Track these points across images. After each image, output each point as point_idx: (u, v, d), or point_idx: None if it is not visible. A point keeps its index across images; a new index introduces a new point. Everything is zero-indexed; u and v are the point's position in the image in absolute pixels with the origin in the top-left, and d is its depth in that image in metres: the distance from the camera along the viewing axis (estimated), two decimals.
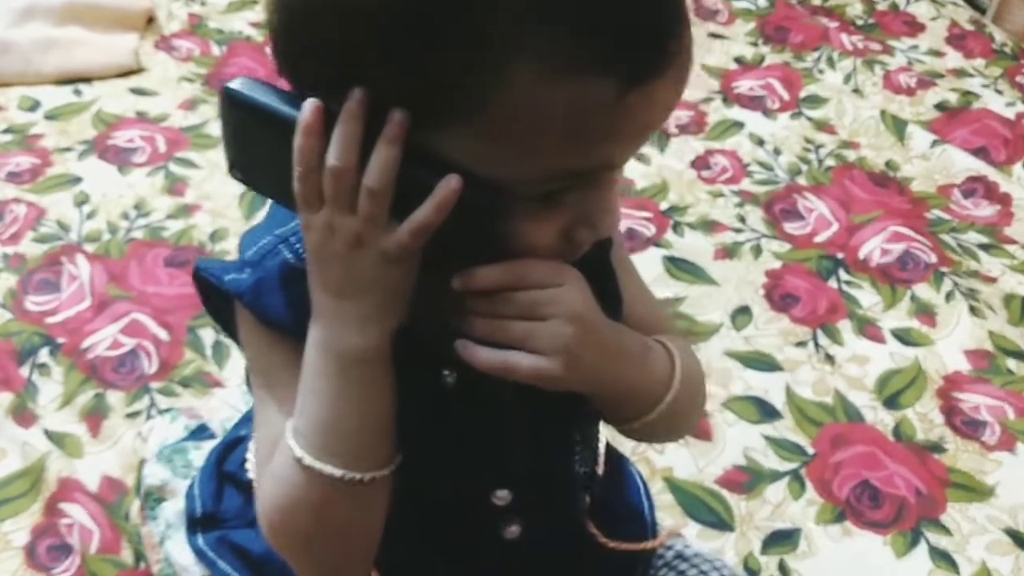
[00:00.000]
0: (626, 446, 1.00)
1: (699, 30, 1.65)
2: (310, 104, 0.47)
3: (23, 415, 0.98)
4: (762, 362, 1.10)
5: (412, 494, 0.63)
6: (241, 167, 0.52)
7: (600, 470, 0.77)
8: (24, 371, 1.03)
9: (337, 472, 0.52)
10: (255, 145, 0.51)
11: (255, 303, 0.55)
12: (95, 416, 0.99)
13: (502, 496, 0.62)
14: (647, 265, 1.21)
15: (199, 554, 0.74)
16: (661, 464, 1.00)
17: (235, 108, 0.49)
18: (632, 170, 1.36)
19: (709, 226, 1.28)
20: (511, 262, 0.50)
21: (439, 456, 0.59)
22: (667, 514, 0.95)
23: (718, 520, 0.95)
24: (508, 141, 0.45)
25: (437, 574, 0.68)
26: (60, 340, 1.06)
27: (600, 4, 0.43)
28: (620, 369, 0.56)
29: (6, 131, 1.34)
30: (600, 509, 0.75)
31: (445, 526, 0.64)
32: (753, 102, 1.51)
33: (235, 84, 0.49)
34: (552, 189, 0.48)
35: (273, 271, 0.55)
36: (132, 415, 0.99)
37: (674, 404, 0.60)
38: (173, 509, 0.79)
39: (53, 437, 0.97)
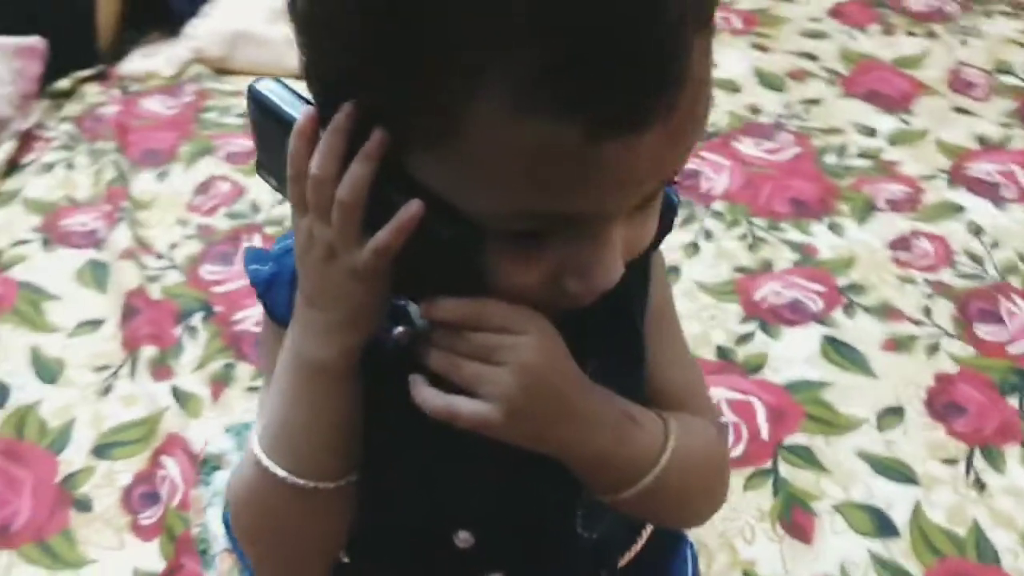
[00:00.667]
0: (712, 530, 0.94)
1: (943, 102, 1.52)
2: (305, 111, 0.47)
3: (161, 369, 1.07)
4: (897, 472, 0.99)
5: (379, 522, 0.63)
6: (264, 166, 0.54)
7: (639, 544, 0.74)
8: (177, 331, 1.13)
9: (281, 474, 0.53)
10: (272, 145, 0.53)
11: (265, 296, 0.57)
12: (220, 383, 1.06)
13: (464, 539, 0.60)
14: (800, 342, 1.12)
15: (227, 528, 0.77)
16: (746, 555, 0.92)
17: (255, 107, 0.51)
18: (819, 238, 1.27)
19: (886, 312, 1.16)
20: (477, 299, 0.49)
21: (404, 482, 0.58)
22: None
23: None
24: (474, 172, 0.44)
25: None
26: (217, 309, 1.15)
27: (576, 46, 0.40)
28: (580, 433, 0.52)
29: (239, 115, 1.47)
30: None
31: (417, 562, 0.63)
32: (984, 187, 1.36)
33: (260, 83, 0.50)
34: (531, 229, 0.46)
35: (287, 268, 0.56)
36: (252, 389, 1.06)
37: (662, 484, 0.55)
38: (223, 479, 0.82)
39: (178, 395, 1.05)
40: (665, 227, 0.61)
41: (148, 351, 1.09)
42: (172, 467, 0.97)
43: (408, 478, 0.58)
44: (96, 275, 1.21)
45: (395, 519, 0.62)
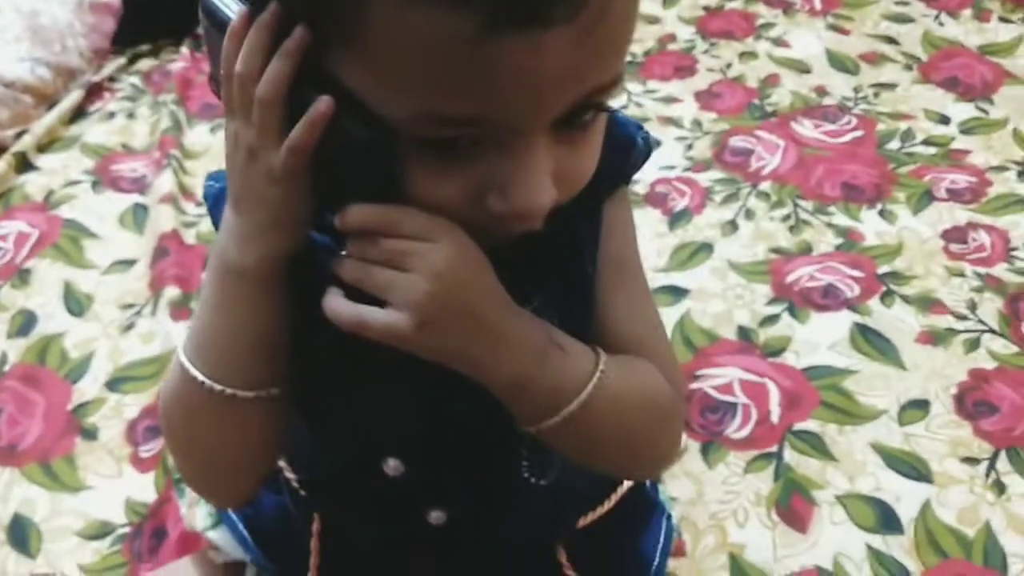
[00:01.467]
0: (704, 510, 0.91)
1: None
2: (239, 11, 0.47)
3: (181, 310, 1.10)
4: (911, 467, 0.93)
5: (316, 447, 0.63)
6: (215, 78, 0.54)
7: (603, 508, 0.72)
8: (203, 276, 1.15)
9: (200, 378, 0.53)
10: (218, 54, 0.53)
11: (213, 210, 0.59)
12: None
13: (393, 466, 0.60)
14: (827, 327, 1.07)
15: None
16: (735, 538, 0.89)
17: (204, 16, 0.51)
18: (868, 224, 1.21)
19: (927, 304, 1.10)
20: (390, 206, 0.48)
21: (332, 405, 0.59)
22: None
23: None
24: (379, 70, 0.43)
25: (370, 543, 0.68)
26: None
27: None
28: (496, 353, 0.50)
29: None
30: (590, 543, 0.72)
31: (360, 488, 0.64)
32: None
33: None
34: (443, 136, 0.45)
35: None
36: None
37: (589, 417, 0.53)
38: None
39: None
40: (623, 167, 0.59)
41: (171, 292, 1.11)
42: (172, 368, 0.99)
43: (335, 400, 0.59)
44: (137, 218, 1.25)
45: (329, 445, 0.62)
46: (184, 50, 1.53)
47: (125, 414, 1.00)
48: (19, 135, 1.32)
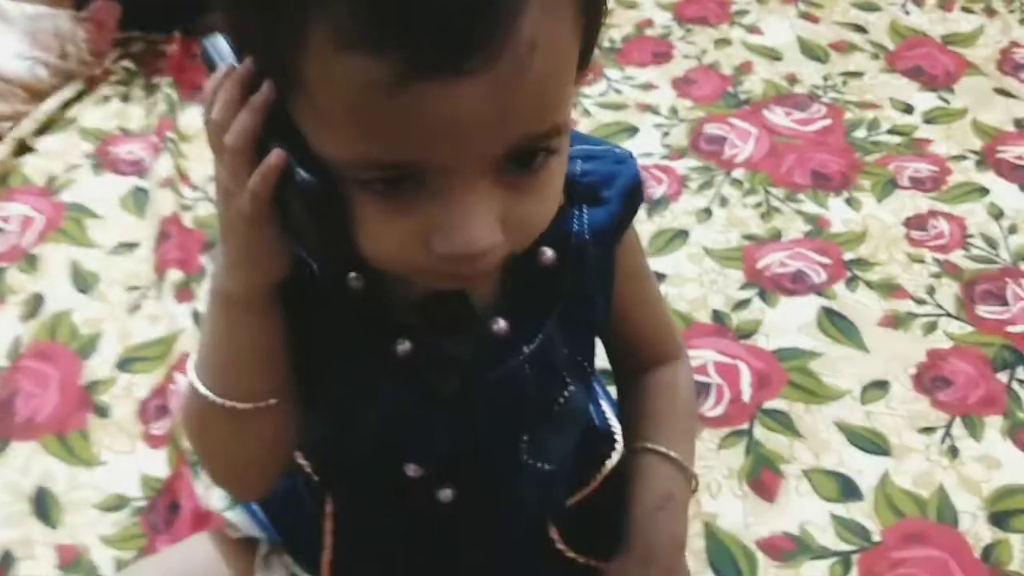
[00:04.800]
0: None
1: (988, 83, 1.50)
2: (224, 65, 0.51)
3: (183, 292, 1.15)
4: (871, 443, 1.01)
5: (337, 450, 0.68)
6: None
7: (590, 487, 0.78)
8: (202, 259, 1.20)
9: (204, 392, 0.58)
10: None
11: None
12: None
13: (414, 469, 0.65)
14: (796, 311, 1.15)
15: None
16: (709, 508, 0.96)
17: (203, 60, 0.54)
18: (835, 211, 1.28)
19: (889, 290, 1.18)
20: None
21: (358, 421, 0.63)
22: (691, 558, 0.92)
23: None
24: (319, 116, 0.46)
25: (382, 523, 0.73)
26: None
27: None
28: None
29: None
30: (579, 518, 0.77)
31: (374, 479, 0.69)
32: (1014, 171, 1.35)
33: (209, 39, 0.53)
34: (382, 179, 0.47)
35: None
36: None
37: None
38: None
39: (197, 317, 1.12)
40: (632, 213, 0.66)
41: (174, 275, 1.16)
42: (183, 383, 1.05)
43: (361, 417, 0.63)
44: (138, 201, 1.29)
45: (350, 449, 0.67)
46: (176, 33, 1.56)
47: (135, 393, 1.06)
48: (14, 125, 1.36)
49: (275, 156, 0.48)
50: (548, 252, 0.59)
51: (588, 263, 0.62)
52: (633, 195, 0.64)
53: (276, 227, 0.52)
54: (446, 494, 0.66)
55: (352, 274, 0.58)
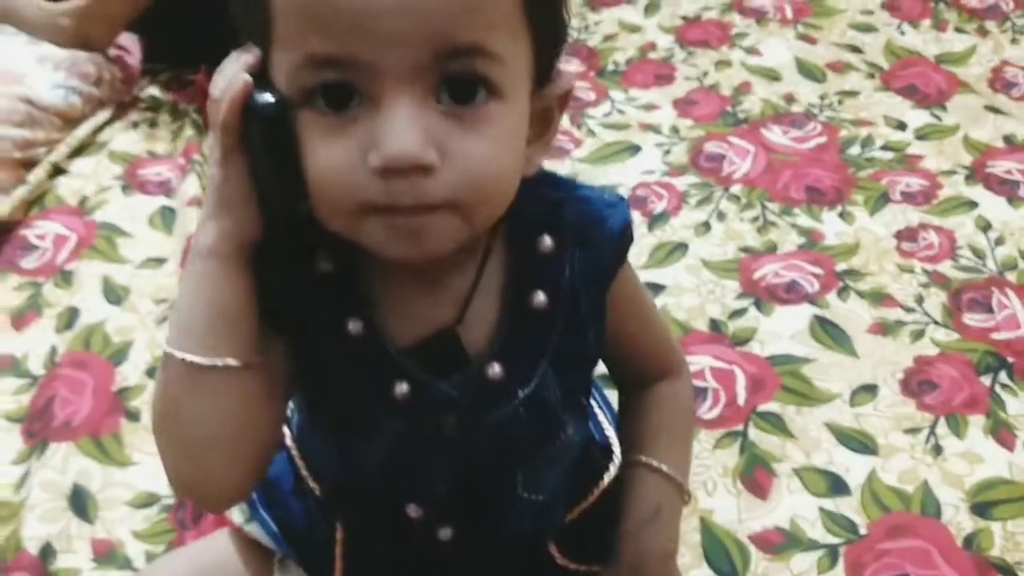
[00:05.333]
0: None
1: (979, 100, 1.56)
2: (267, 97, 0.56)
3: None
4: (859, 443, 1.07)
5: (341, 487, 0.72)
6: (255, 173, 0.59)
7: (588, 501, 0.79)
8: None
9: (166, 348, 0.58)
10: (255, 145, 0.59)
11: None
12: None
13: (414, 509, 0.67)
14: (790, 319, 1.20)
15: None
16: (705, 504, 1.02)
17: (248, 114, 0.57)
18: (828, 225, 1.34)
19: (879, 299, 1.23)
20: None
21: (361, 458, 0.65)
22: (686, 551, 0.98)
23: (730, 571, 0.96)
24: (277, 38, 0.53)
25: (387, 551, 0.75)
26: None
27: None
28: None
29: None
30: (577, 532, 0.79)
31: (377, 513, 0.71)
32: (1002, 186, 1.40)
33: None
34: (327, 87, 0.52)
35: None
36: None
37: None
38: None
39: None
40: (624, 254, 0.68)
41: None
42: None
43: (367, 456, 0.65)
44: (165, 219, 1.36)
45: (356, 487, 0.70)
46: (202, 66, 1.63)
47: None
48: (49, 150, 1.43)
49: (239, 79, 0.53)
50: (540, 295, 0.62)
51: (581, 305, 0.64)
52: (624, 238, 0.66)
53: (244, 175, 0.56)
54: (445, 533, 0.68)
55: (323, 263, 0.60)
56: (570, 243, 0.63)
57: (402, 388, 0.61)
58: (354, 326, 0.60)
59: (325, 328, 0.61)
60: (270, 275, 0.59)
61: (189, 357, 0.57)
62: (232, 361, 0.57)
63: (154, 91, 1.60)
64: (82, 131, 1.48)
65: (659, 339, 0.78)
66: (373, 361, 0.61)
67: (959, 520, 0.98)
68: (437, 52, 0.51)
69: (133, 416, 1.11)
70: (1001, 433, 1.07)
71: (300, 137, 0.53)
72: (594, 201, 0.66)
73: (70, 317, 1.22)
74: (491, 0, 0.52)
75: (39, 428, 1.09)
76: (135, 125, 1.53)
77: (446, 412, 0.62)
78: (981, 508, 1.00)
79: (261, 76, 0.55)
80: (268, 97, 0.53)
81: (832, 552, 0.97)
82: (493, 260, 0.63)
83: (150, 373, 1.15)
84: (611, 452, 0.82)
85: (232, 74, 0.55)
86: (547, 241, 0.63)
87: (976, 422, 1.08)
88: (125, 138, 1.50)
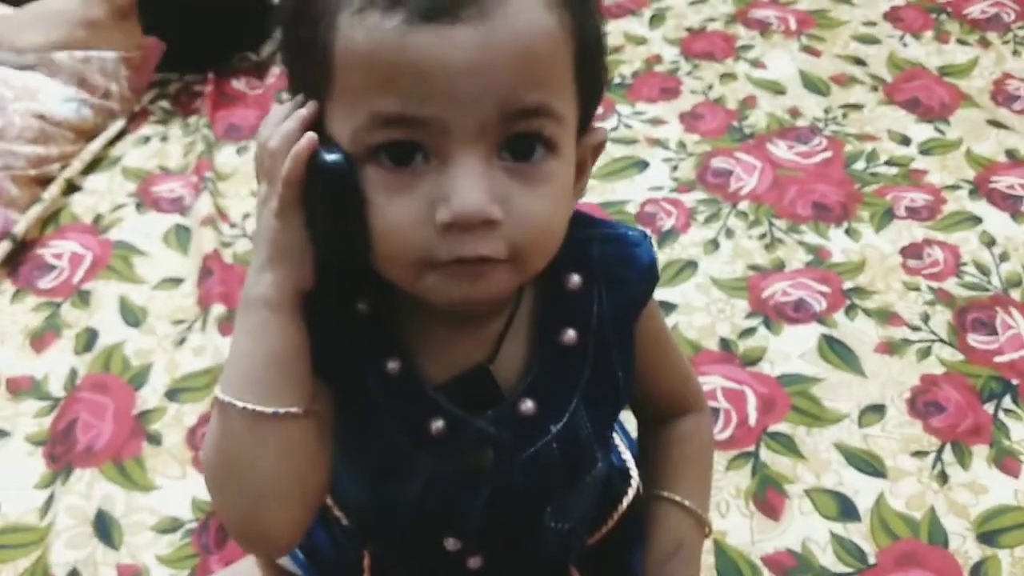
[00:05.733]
0: None
1: (982, 114, 1.58)
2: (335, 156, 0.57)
3: (227, 326, 1.23)
4: (868, 464, 1.09)
5: (380, 526, 0.73)
6: (311, 223, 0.60)
7: (607, 526, 0.83)
8: None
9: (224, 398, 0.58)
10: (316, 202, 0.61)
11: None
12: None
13: (452, 543, 0.68)
14: (799, 338, 1.22)
15: None
16: (719, 526, 1.04)
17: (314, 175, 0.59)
18: (835, 242, 1.36)
19: (886, 317, 1.25)
20: None
21: (398, 495, 0.66)
22: (701, 573, 1.00)
23: None
24: (340, 94, 0.54)
25: None
26: None
27: None
28: None
29: None
30: (598, 555, 0.82)
31: (410, 544, 0.73)
32: (1006, 201, 1.42)
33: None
34: (394, 145, 0.54)
35: None
36: None
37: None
38: None
39: None
40: (649, 290, 0.70)
41: (217, 309, 1.25)
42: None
43: (403, 492, 0.66)
44: (180, 238, 1.38)
45: (391, 522, 0.71)
46: (210, 73, 1.64)
47: (184, 421, 1.14)
48: (63, 166, 1.44)
49: (306, 138, 0.55)
50: (571, 332, 0.64)
51: (609, 342, 0.66)
52: (651, 276, 0.68)
53: (301, 227, 0.58)
54: (475, 561, 0.70)
55: (361, 305, 0.62)
56: (598, 280, 0.65)
57: (438, 425, 0.63)
58: (392, 365, 0.62)
59: (364, 368, 0.63)
60: (315, 320, 0.60)
61: (251, 406, 0.58)
62: (295, 409, 0.59)
63: (164, 104, 1.61)
64: (95, 145, 1.49)
65: (682, 376, 0.80)
66: (409, 399, 0.63)
67: (966, 549, 1.01)
68: (504, 113, 0.53)
69: (154, 440, 1.12)
70: (1005, 461, 1.09)
71: (363, 193, 0.55)
72: (620, 239, 0.68)
73: (88, 338, 1.24)
74: (554, 62, 0.55)
75: (62, 452, 1.11)
76: (146, 140, 1.54)
77: (481, 448, 0.64)
78: (988, 537, 1.02)
79: (315, 127, 0.57)
80: (337, 156, 0.55)
81: None
82: (523, 299, 0.65)
83: (169, 396, 1.17)
84: (628, 476, 0.85)
85: (290, 129, 0.57)
86: (575, 279, 0.65)
87: (980, 452, 1.10)
88: (137, 153, 1.51)
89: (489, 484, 0.65)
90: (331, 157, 0.55)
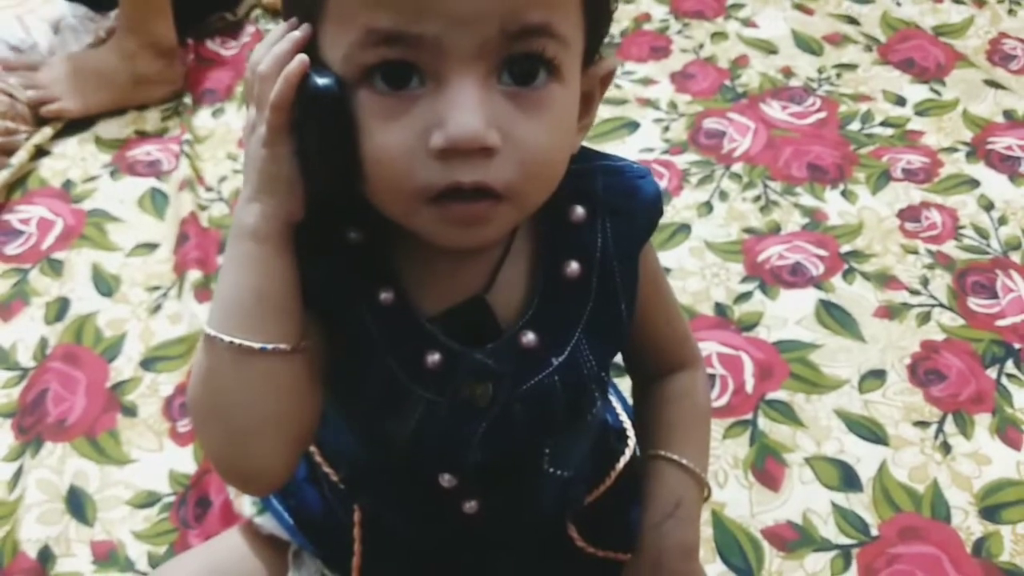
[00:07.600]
0: None
1: (977, 74, 1.54)
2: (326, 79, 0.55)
3: (203, 292, 1.18)
4: (870, 431, 1.06)
5: (372, 462, 0.71)
6: (301, 152, 0.59)
7: (605, 484, 0.81)
8: (219, 259, 1.23)
9: (211, 332, 0.57)
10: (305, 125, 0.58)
11: None
12: None
13: (448, 479, 0.66)
14: (795, 303, 1.19)
15: None
16: (717, 497, 1.00)
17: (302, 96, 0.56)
18: (831, 204, 1.32)
19: (884, 281, 1.22)
20: None
21: (393, 432, 0.64)
22: (700, 548, 0.96)
23: (745, 568, 0.95)
24: (333, 14, 0.52)
25: (408, 530, 0.76)
26: None
27: None
28: None
29: None
30: (595, 515, 0.80)
31: (404, 488, 0.71)
32: (1004, 163, 1.39)
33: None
34: (388, 65, 0.51)
35: None
36: None
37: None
38: None
39: None
40: (653, 223, 0.68)
41: (194, 274, 1.20)
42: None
43: (398, 428, 0.64)
44: (156, 203, 1.32)
45: (383, 459, 0.69)
46: (188, 41, 1.58)
47: (160, 392, 1.10)
48: (29, 136, 1.38)
49: (297, 60, 0.53)
50: (574, 264, 0.63)
51: (614, 274, 0.64)
52: (656, 208, 0.67)
53: (291, 156, 0.56)
54: (471, 505, 0.69)
55: (352, 233, 0.60)
56: (602, 213, 0.64)
57: (434, 358, 0.61)
58: (385, 296, 0.60)
59: (356, 299, 0.61)
60: (306, 251, 0.58)
61: (238, 341, 0.56)
62: (283, 345, 0.57)
63: None
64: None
65: (677, 327, 0.78)
66: (404, 332, 0.61)
67: (969, 524, 0.98)
68: (505, 31, 0.51)
69: (129, 412, 1.08)
70: (1008, 431, 1.06)
71: (356, 118, 0.52)
72: (624, 171, 0.66)
73: (60, 308, 1.18)
74: None
75: (31, 423, 1.06)
76: (123, 111, 1.47)
77: (480, 381, 0.62)
78: (990, 512, 0.99)
79: (308, 52, 0.54)
80: (328, 79, 0.52)
81: (845, 553, 0.96)
82: (522, 229, 0.63)
83: (144, 365, 1.12)
84: (625, 436, 0.83)
85: (281, 51, 0.54)
86: (579, 211, 0.63)
87: (982, 421, 1.07)
88: (112, 124, 1.44)
89: (487, 417, 0.63)
90: (322, 80, 0.53)
